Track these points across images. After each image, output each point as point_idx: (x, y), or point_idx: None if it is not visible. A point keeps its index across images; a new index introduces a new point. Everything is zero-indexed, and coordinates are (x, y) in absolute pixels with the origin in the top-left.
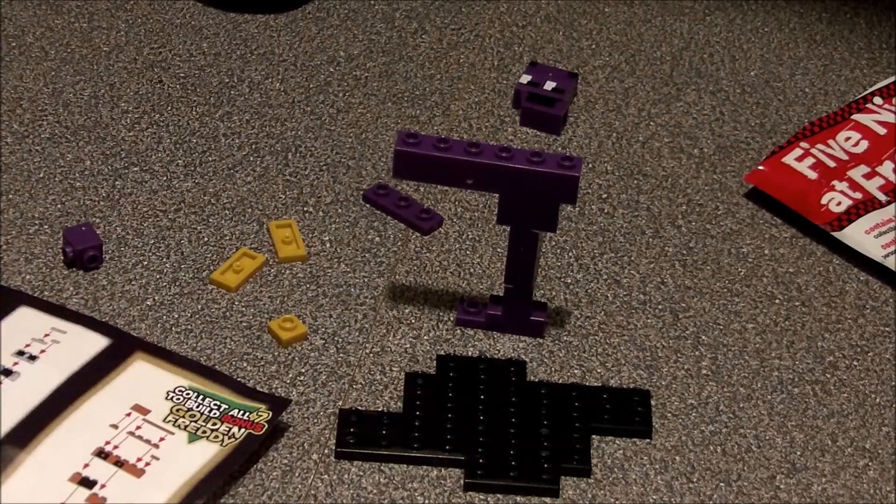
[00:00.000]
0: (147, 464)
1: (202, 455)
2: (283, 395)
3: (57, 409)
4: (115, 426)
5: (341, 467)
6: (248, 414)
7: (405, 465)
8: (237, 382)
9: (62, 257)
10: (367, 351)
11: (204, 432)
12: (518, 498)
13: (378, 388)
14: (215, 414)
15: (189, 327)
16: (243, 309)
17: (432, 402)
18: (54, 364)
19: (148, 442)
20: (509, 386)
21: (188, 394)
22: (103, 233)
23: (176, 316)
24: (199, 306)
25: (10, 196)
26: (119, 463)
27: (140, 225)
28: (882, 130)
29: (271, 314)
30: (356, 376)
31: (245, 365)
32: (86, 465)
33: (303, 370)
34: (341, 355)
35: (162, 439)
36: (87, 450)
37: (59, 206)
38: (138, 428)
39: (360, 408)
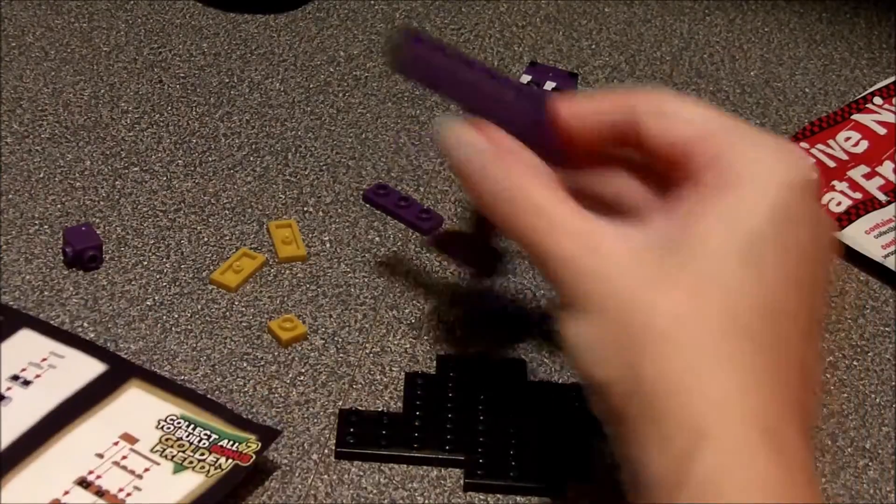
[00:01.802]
0: (129, 494)
1: (186, 485)
2: (282, 395)
3: (44, 437)
4: (100, 455)
5: (341, 467)
6: (237, 444)
7: (405, 465)
8: (229, 411)
9: (62, 257)
10: (367, 351)
11: (190, 462)
12: (518, 498)
13: (378, 388)
14: (204, 444)
15: (189, 327)
16: (243, 309)
17: (432, 402)
18: (47, 389)
19: (132, 472)
20: (509, 386)
21: (179, 422)
22: (103, 233)
23: (176, 316)
24: (199, 306)
25: (10, 196)
26: (100, 493)
27: (140, 225)
28: (882, 130)
29: (271, 314)
30: (356, 376)
31: (245, 365)
32: (66, 493)
33: (303, 370)
34: (341, 355)
35: (147, 469)
36: (69, 478)
37: (59, 206)
38: (124, 458)
39: (360, 408)
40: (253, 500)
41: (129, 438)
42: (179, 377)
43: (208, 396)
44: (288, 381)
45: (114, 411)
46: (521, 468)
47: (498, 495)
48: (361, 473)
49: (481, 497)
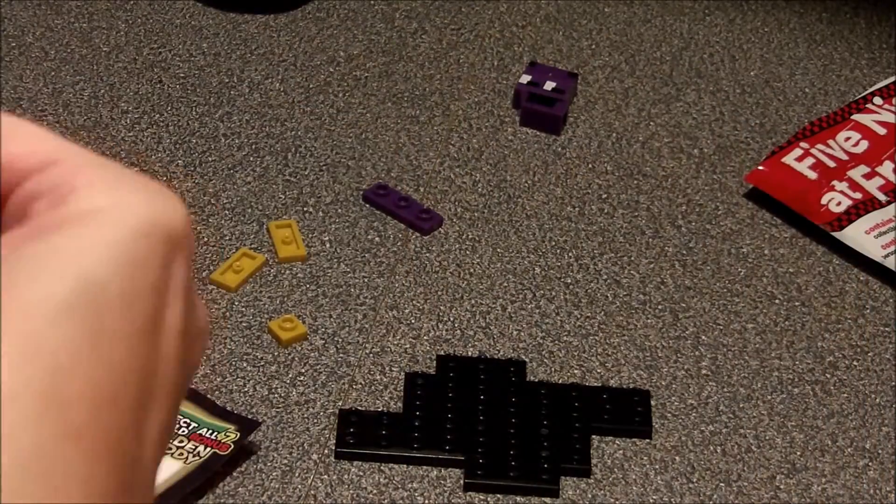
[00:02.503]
0: None
1: (164, 472)
2: (282, 395)
3: None
4: None
5: (341, 467)
6: (216, 434)
7: (405, 465)
8: (211, 402)
9: None
10: (367, 351)
11: (169, 449)
12: (518, 498)
13: (378, 388)
14: (184, 432)
15: None
16: (243, 309)
17: (432, 402)
18: None
19: None
20: (509, 386)
21: None
22: None
23: None
24: None
25: None
26: None
27: None
28: (882, 130)
29: (271, 314)
30: (356, 376)
31: (245, 365)
32: None
33: (303, 370)
34: (341, 355)
35: None
36: None
37: None
38: None
39: (359, 408)
40: (253, 500)
41: None
42: None
43: (190, 386)
44: (288, 381)
45: None
46: (520, 468)
47: (498, 495)
48: (361, 473)
49: (481, 497)
